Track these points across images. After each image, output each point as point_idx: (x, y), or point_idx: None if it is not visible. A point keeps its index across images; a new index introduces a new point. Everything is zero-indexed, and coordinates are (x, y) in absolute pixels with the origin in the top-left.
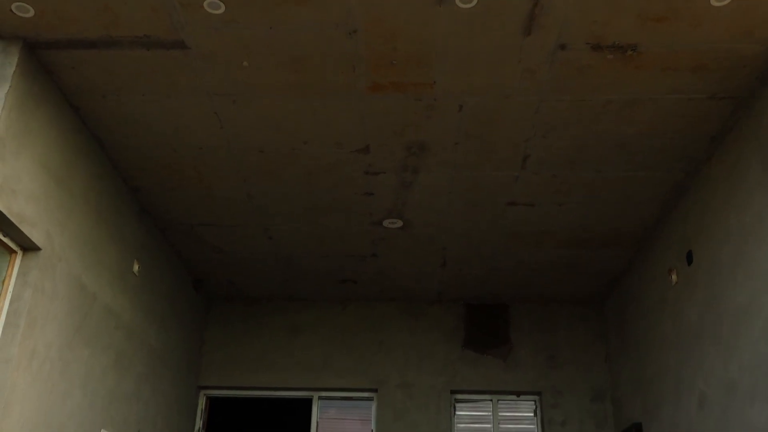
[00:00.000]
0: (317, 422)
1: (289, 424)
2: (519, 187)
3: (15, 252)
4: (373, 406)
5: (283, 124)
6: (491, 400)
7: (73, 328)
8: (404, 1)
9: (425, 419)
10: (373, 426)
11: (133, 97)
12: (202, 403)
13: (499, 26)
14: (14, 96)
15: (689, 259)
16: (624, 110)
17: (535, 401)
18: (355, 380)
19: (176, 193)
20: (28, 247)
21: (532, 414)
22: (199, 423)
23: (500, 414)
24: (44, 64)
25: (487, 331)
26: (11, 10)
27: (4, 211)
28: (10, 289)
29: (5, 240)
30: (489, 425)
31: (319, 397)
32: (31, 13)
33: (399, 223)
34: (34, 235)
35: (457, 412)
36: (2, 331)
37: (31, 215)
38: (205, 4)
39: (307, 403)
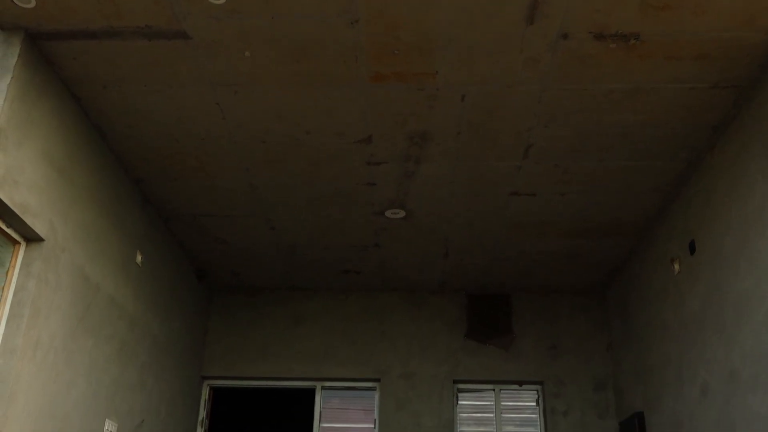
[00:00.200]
0: (320, 412)
1: (292, 413)
2: (521, 177)
3: (18, 243)
4: (376, 395)
5: (285, 114)
6: (493, 390)
7: (76, 319)
8: None
9: (428, 409)
10: (375, 415)
11: (135, 87)
12: (205, 393)
13: (502, 15)
14: (16, 87)
15: (692, 248)
16: (626, 99)
17: (537, 391)
18: (358, 370)
19: (178, 184)
20: (32, 238)
21: (534, 403)
22: (202, 413)
23: (502, 403)
24: (46, 54)
25: (490, 320)
26: (13, 1)
27: (7, 202)
28: (14, 279)
29: (8, 231)
30: (491, 415)
31: (322, 387)
32: (33, 3)
33: (401, 214)
34: (37, 226)
35: (460, 402)
36: (6, 322)
37: (33, 206)
38: None
39: (310, 393)
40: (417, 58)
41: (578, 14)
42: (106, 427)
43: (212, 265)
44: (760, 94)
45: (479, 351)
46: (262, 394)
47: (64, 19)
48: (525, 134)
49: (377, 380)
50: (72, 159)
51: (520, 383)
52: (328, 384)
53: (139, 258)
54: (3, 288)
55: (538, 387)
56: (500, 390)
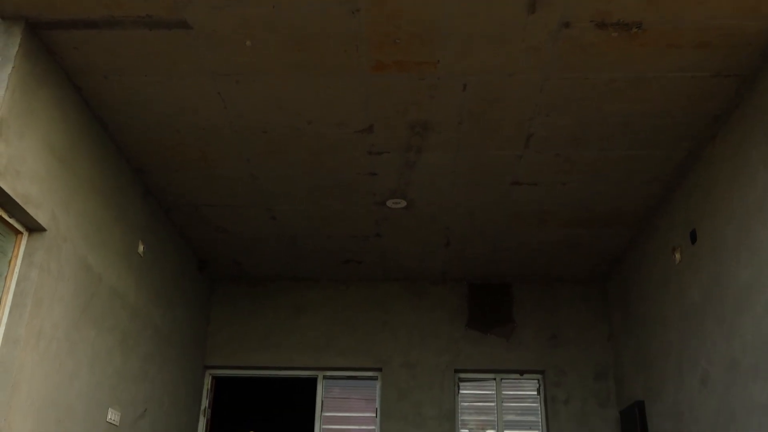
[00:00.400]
0: (322, 401)
1: (294, 402)
2: (522, 167)
3: (21, 233)
4: (378, 385)
5: (286, 104)
6: (495, 379)
7: (79, 309)
8: None
9: (429, 398)
10: (377, 405)
11: (136, 77)
12: (208, 382)
13: (503, 4)
14: (17, 76)
15: (693, 238)
16: (628, 89)
17: (538, 380)
18: (360, 360)
19: (180, 174)
20: (34, 228)
21: (535, 392)
22: (205, 402)
23: (504, 392)
24: (47, 44)
25: (491, 310)
26: None
27: (9, 192)
28: (17, 269)
29: (11, 221)
30: (492, 404)
31: (324, 377)
32: None
33: (402, 203)
34: (40, 216)
35: (461, 391)
36: (9, 312)
37: (36, 196)
38: None
39: (312, 383)
40: (418, 47)
41: (580, 3)
42: (109, 417)
43: (214, 256)
44: (762, 82)
45: (480, 340)
46: (264, 383)
47: (64, 8)
48: (526, 123)
49: (379, 369)
50: (73, 149)
51: (521, 372)
52: (329, 373)
53: (141, 248)
54: (6, 278)
55: (539, 376)
56: (501, 379)
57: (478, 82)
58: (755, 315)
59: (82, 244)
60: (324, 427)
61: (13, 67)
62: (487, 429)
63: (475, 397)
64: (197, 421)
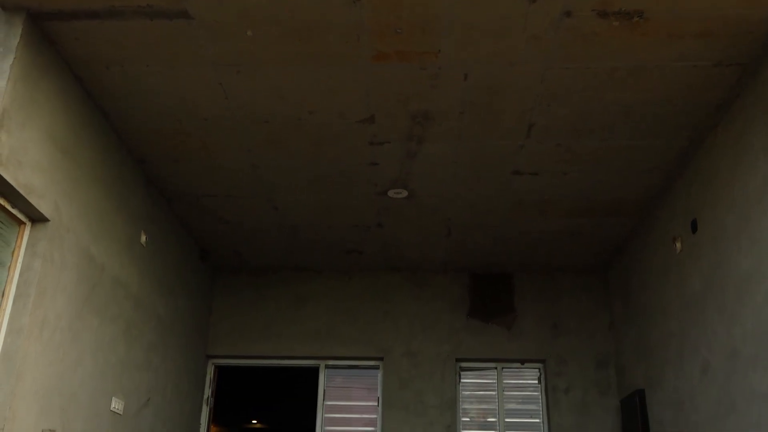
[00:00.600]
0: (324, 390)
1: (296, 392)
2: (523, 157)
3: (24, 223)
4: (379, 374)
5: (287, 95)
6: (496, 368)
7: (82, 298)
8: None
9: (430, 387)
10: (379, 394)
11: (137, 67)
12: (210, 371)
13: None
14: (19, 67)
15: (694, 227)
16: (629, 78)
17: (539, 369)
18: (361, 349)
19: (182, 165)
20: (37, 218)
21: (536, 382)
22: (208, 391)
23: (505, 382)
24: (48, 34)
25: (492, 300)
26: None
27: (12, 183)
28: (20, 259)
29: (13, 211)
30: (494, 393)
31: (326, 366)
32: None
33: (404, 193)
34: (42, 206)
35: (462, 380)
36: (13, 301)
37: (38, 186)
38: None
39: (314, 372)
40: (419, 37)
41: None
42: (112, 405)
43: (216, 246)
44: (763, 72)
45: (481, 330)
46: (267, 372)
47: None
48: (527, 113)
49: (380, 359)
50: (76, 139)
51: (522, 362)
52: (331, 363)
53: (143, 238)
54: (9, 268)
55: (540, 365)
56: (502, 368)
57: (480, 71)
58: (756, 304)
59: (85, 235)
60: (326, 415)
61: (14, 58)
62: (488, 418)
63: (476, 386)
64: (200, 409)
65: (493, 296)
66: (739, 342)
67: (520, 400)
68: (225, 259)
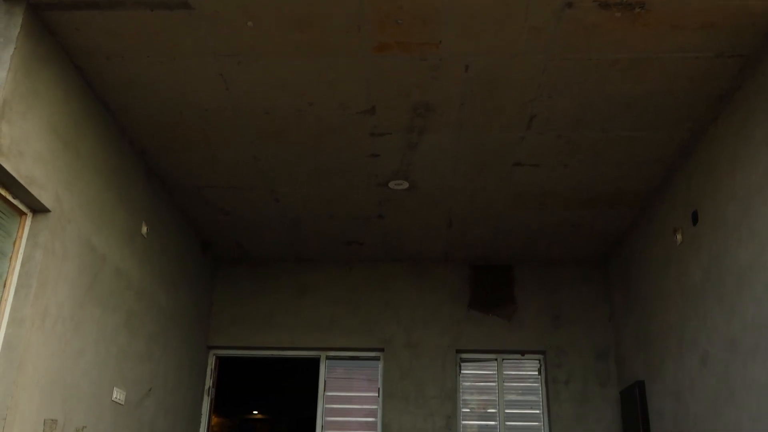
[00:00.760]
0: (325, 381)
1: (297, 382)
2: (524, 148)
3: (25, 214)
4: (380, 365)
5: (288, 86)
6: (496, 359)
7: (83, 289)
8: None
9: (431, 378)
10: (379, 384)
11: (138, 58)
12: (211, 362)
13: None
14: (19, 57)
15: (694, 218)
16: (630, 69)
17: (539, 360)
18: (362, 340)
19: (182, 156)
20: (38, 209)
21: (536, 373)
22: (209, 382)
23: (505, 373)
24: (48, 25)
25: (492, 291)
26: None
27: (13, 174)
28: (21, 250)
29: (15, 202)
30: (494, 384)
31: (327, 357)
32: None
33: (405, 185)
34: (44, 197)
35: (463, 371)
36: (15, 292)
37: (39, 177)
38: None
39: (314, 363)
40: (420, 27)
41: None
42: (114, 396)
43: (217, 237)
44: (765, 63)
45: (482, 321)
46: (268, 363)
47: None
48: (528, 105)
49: (381, 350)
50: (77, 130)
51: (523, 353)
52: (332, 354)
53: (144, 229)
54: (11, 258)
55: (540, 356)
56: (503, 359)
57: (481, 63)
58: (755, 294)
59: (86, 225)
60: (327, 406)
61: (15, 48)
62: (488, 409)
63: (476, 377)
64: (201, 400)
65: (493, 287)
66: (738, 333)
67: (520, 391)
68: (226, 250)
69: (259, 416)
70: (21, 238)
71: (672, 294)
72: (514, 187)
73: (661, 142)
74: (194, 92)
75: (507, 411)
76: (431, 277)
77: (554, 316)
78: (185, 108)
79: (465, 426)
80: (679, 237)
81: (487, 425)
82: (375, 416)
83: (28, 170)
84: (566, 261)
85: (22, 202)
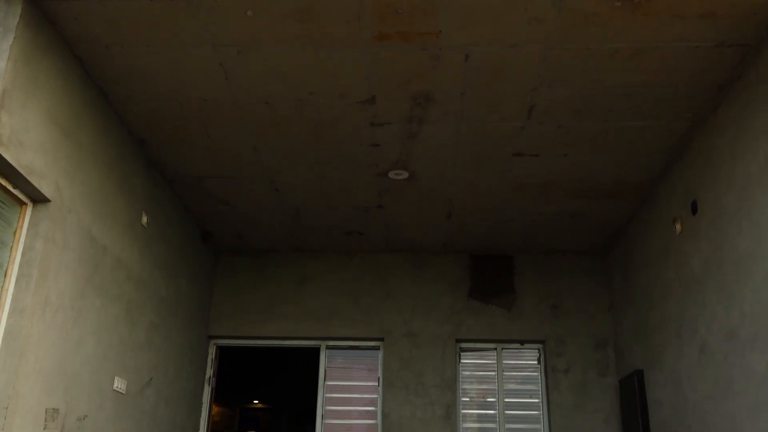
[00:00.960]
0: (325, 370)
1: (298, 372)
2: (524, 138)
3: (25, 204)
4: (380, 354)
5: (288, 76)
6: (495, 349)
7: (84, 279)
8: None
9: (431, 367)
10: (379, 374)
11: (137, 48)
12: (212, 352)
13: None
14: (19, 47)
15: (694, 208)
16: (631, 59)
17: (538, 349)
18: (362, 330)
19: (182, 146)
20: (38, 199)
21: (535, 362)
22: (209, 371)
23: (504, 362)
24: (47, 14)
25: (492, 281)
26: None
27: (13, 163)
28: (22, 240)
29: (15, 192)
30: (493, 373)
31: (327, 346)
32: None
33: (405, 175)
34: (44, 187)
35: (462, 361)
36: (16, 282)
37: (39, 167)
38: None
39: (315, 352)
40: (420, 17)
41: None
42: (115, 385)
43: (217, 227)
44: (765, 53)
45: (481, 311)
46: (268, 353)
47: None
48: (528, 95)
49: (381, 339)
50: (77, 120)
51: (522, 342)
52: (332, 343)
53: (144, 219)
54: (11, 248)
55: (540, 346)
56: (502, 349)
57: (481, 53)
58: (754, 284)
59: (87, 215)
60: (327, 395)
61: (14, 38)
62: (487, 398)
63: (476, 366)
64: (202, 389)
65: (493, 277)
66: (737, 322)
67: (519, 381)
68: (226, 240)
69: (260, 405)
70: (21, 227)
71: (671, 284)
72: (513, 178)
73: (661, 132)
74: (194, 82)
75: (506, 400)
76: (431, 266)
77: (554, 306)
78: (184, 98)
79: (465, 415)
80: (678, 227)
81: (486, 414)
82: (375, 405)
83: (28, 160)
84: (566, 251)
85: (22, 191)
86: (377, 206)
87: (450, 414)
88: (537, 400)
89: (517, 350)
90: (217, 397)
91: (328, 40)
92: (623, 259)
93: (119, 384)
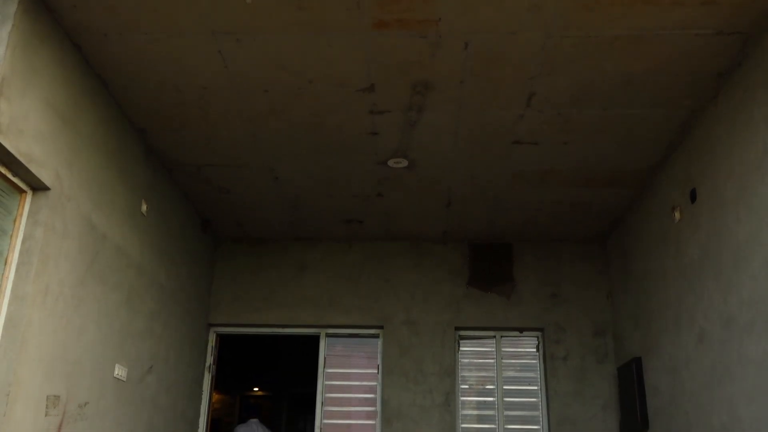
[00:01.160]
0: (325, 358)
1: (297, 359)
2: (524, 126)
3: (25, 192)
4: (379, 342)
5: (287, 63)
6: (495, 336)
7: (84, 266)
8: None
9: (430, 355)
10: (379, 361)
11: (136, 36)
12: (212, 339)
13: None
14: (17, 34)
15: (693, 196)
16: (631, 46)
17: (537, 337)
18: (362, 317)
19: (182, 134)
20: (38, 187)
21: (534, 349)
22: (209, 359)
23: (503, 350)
24: (45, 1)
25: (491, 269)
26: None
27: (13, 151)
28: (22, 228)
29: (14, 180)
30: (492, 360)
31: (326, 334)
32: None
33: (404, 163)
34: (43, 175)
35: (462, 348)
36: (16, 269)
37: (39, 155)
38: None
39: (314, 340)
40: (420, 4)
41: None
42: (116, 372)
43: (217, 215)
44: (765, 41)
45: (481, 299)
46: (268, 340)
47: None
48: (528, 82)
49: (380, 327)
50: (76, 108)
51: (521, 330)
52: (332, 331)
53: (144, 207)
54: (11, 236)
55: (539, 333)
56: (501, 336)
57: (480, 40)
58: (752, 272)
59: (86, 203)
60: (326, 383)
61: (12, 25)
62: (486, 385)
63: (475, 354)
64: (202, 377)
65: (492, 265)
66: (735, 309)
67: (518, 368)
68: (226, 228)
69: (260, 393)
70: (21, 215)
71: (670, 271)
72: (513, 166)
73: (661, 120)
74: (193, 70)
75: (505, 387)
76: (430, 254)
77: (553, 294)
78: (184, 86)
79: (464, 402)
80: (677, 215)
81: (485, 401)
82: (374, 393)
83: (27, 148)
84: (565, 239)
85: (21, 179)
86: (377, 194)
87: (449, 401)
88: (536, 388)
89: (516, 338)
90: (217, 385)
91: (327, 27)
92: (622, 247)
93: (120, 371)
